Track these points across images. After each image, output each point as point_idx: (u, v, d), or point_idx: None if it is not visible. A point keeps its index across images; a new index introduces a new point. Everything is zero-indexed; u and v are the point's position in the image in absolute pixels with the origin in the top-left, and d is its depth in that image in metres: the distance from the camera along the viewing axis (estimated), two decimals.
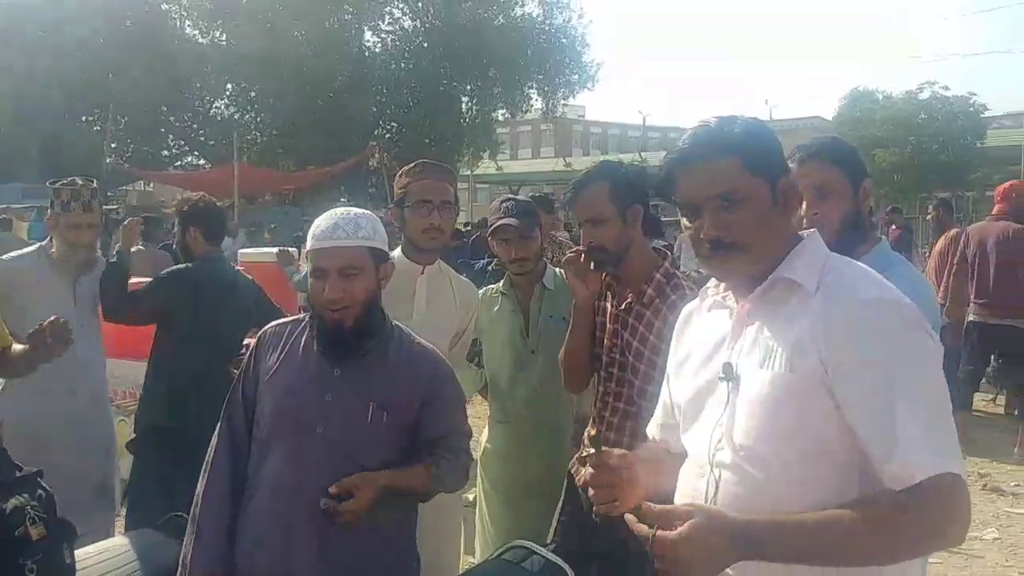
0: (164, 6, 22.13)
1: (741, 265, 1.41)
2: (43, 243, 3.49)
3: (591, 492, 1.52)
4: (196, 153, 23.84)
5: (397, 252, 2.80)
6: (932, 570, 3.54)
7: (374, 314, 2.00)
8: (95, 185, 3.47)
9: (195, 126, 22.98)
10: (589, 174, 2.48)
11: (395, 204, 2.74)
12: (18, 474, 2.06)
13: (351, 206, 2.10)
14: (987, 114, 24.91)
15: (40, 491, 2.05)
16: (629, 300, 2.41)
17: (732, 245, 1.39)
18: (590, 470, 1.51)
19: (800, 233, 1.47)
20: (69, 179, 3.41)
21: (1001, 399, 7.05)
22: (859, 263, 1.46)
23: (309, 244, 1.99)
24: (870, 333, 1.29)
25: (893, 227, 12.07)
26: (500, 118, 25.03)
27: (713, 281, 1.55)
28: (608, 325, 2.48)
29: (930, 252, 8.05)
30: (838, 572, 1.29)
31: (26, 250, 3.57)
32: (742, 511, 1.27)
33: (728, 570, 1.25)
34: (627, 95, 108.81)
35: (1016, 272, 5.87)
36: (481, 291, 3.14)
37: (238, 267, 4.65)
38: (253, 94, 21.84)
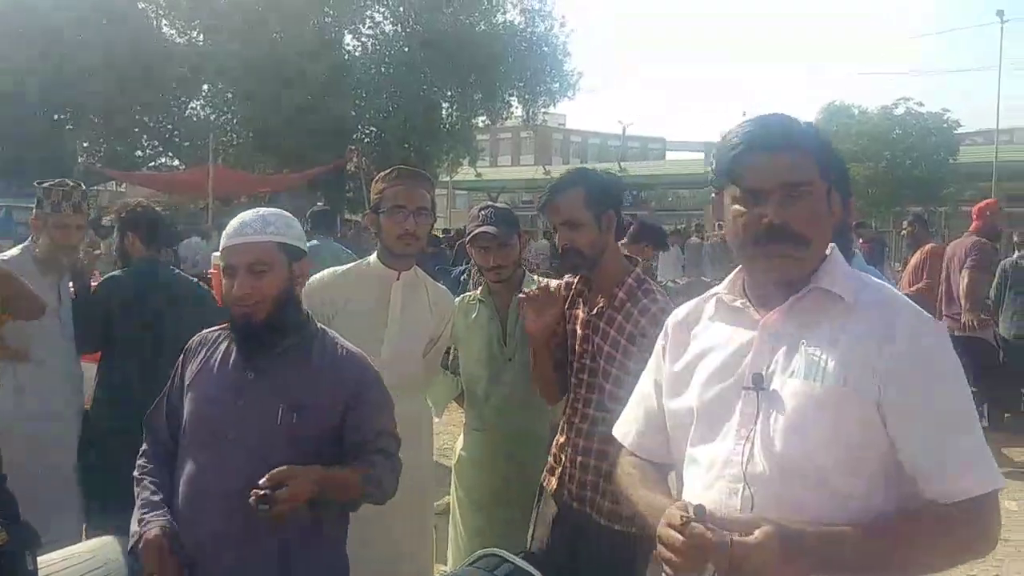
0: (141, 5, 21.86)
1: (794, 261, 1.40)
2: (26, 244, 3.49)
3: (674, 558, 1.29)
4: (170, 154, 23.57)
5: (373, 258, 2.81)
6: None
7: (288, 311, 1.99)
8: (84, 187, 3.55)
9: (170, 126, 22.72)
10: (565, 178, 2.50)
11: (371, 210, 2.75)
12: None
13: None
14: (960, 130, 25.37)
15: (3, 495, 2.01)
16: (601, 305, 2.42)
17: (796, 236, 1.38)
18: (676, 535, 1.28)
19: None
20: (58, 180, 3.47)
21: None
22: (880, 280, 1.49)
23: (221, 244, 2.01)
24: (925, 352, 1.34)
25: (861, 241, 12.21)
26: (480, 125, 24.98)
27: (723, 288, 1.53)
28: (579, 331, 2.49)
29: (904, 267, 8.18)
30: None
31: (10, 252, 3.55)
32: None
33: None
34: (608, 105, 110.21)
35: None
36: (458, 299, 3.15)
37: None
38: (230, 95, 21.63)
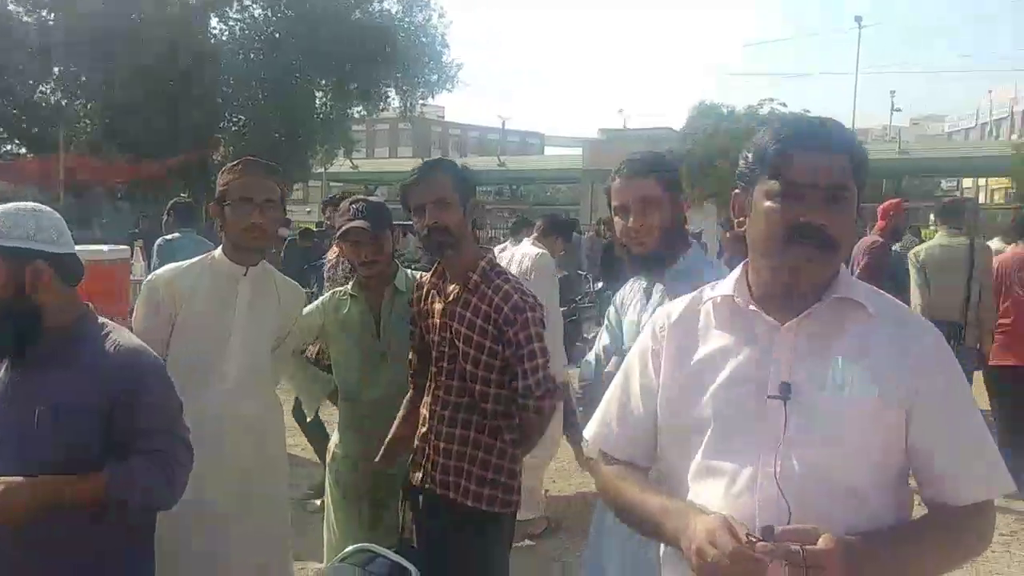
0: None
1: (819, 265, 1.38)
2: None
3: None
4: (17, 141, 21.94)
5: (218, 252, 2.71)
6: None
7: (25, 317, 1.90)
8: None
9: (16, 112, 21.09)
10: (433, 162, 2.60)
11: (215, 201, 2.64)
12: None
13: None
14: None
15: None
16: (456, 291, 2.49)
17: (830, 240, 1.36)
18: (724, 553, 1.22)
19: None
20: None
21: None
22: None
23: None
24: (944, 362, 1.40)
25: (724, 232, 12.75)
26: (356, 115, 24.51)
27: (728, 289, 1.47)
28: (437, 322, 2.53)
29: None
30: None
31: None
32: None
33: None
34: (487, 98, 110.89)
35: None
36: (328, 293, 3.11)
37: None
38: (83, 79, 20.28)
